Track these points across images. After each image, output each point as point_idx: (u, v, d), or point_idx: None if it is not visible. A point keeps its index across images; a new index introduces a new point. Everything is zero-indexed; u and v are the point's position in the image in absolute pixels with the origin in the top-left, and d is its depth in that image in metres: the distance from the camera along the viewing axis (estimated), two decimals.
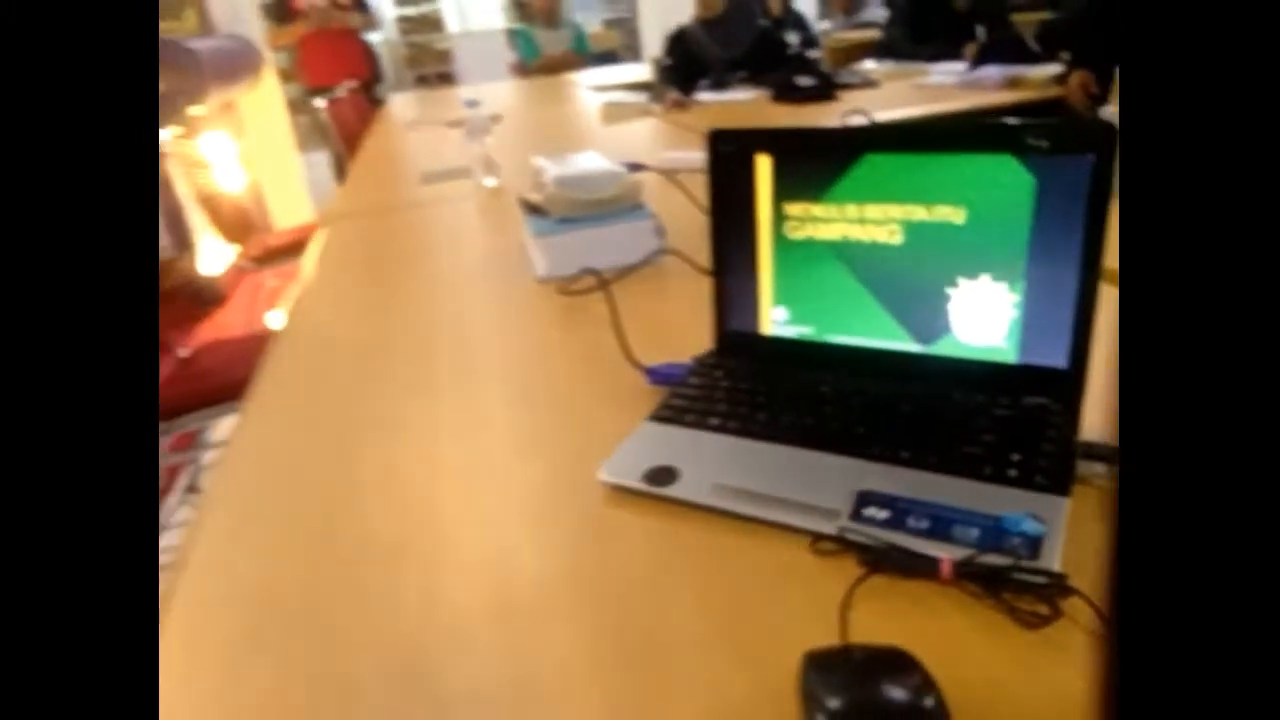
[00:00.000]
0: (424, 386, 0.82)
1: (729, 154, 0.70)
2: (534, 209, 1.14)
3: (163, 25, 3.38)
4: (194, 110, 3.14)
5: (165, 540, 1.87)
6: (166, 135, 2.97)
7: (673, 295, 0.98)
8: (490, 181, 1.67)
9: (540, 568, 0.53)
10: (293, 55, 4.04)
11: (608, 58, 6.36)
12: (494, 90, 4.09)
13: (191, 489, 2.08)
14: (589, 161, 1.14)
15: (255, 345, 2.04)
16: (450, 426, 0.73)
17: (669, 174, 1.42)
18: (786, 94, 2.36)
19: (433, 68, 8.31)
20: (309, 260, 1.36)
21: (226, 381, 1.69)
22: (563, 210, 1.07)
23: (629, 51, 7.45)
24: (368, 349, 0.93)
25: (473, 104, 1.68)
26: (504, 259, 1.19)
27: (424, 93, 5.80)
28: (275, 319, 3.18)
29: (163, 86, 3.30)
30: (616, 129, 2.32)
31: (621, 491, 0.59)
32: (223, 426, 2.32)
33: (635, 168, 1.21)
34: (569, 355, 0.84)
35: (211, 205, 2.57)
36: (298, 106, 4.28)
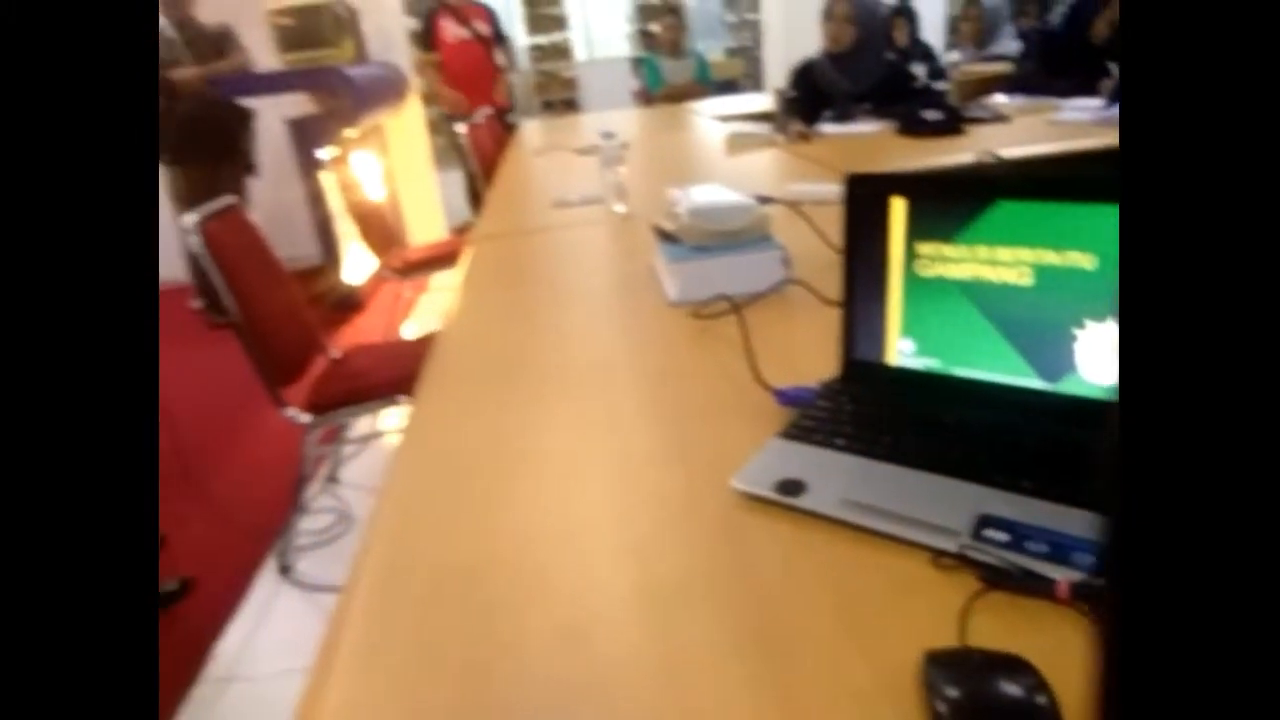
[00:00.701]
0: (567, 393, 0.91)
1: (865, 196, 0.75)
2: (667, 236, 1.22)
3: (323, 53, 3.72)
4: (349, 132, 3.43)
5: (310, 523, 2.05)
6: (325, 154, 3.26)
7: (797, 322, 1.03)
8: (620, 208, 1.77)
9: (680, 560, 0.60)
10: (437, 79, 4.33)
11: (729, 86, 6.46)
12: (618, 118, 4.25)
13: (332, 479, 2.27)
14: (721, 194, 1.21)
15: (398, 350, 2.22)
16: (593, 430, 0.81)
17: (794, 205, 1.48)
18: (913, 127, 2.37)
19: (559, 94, 8.66)
20: (458, 276, 1.49)
21: (373, 382, 1.85)
22: (695, 239, 1.14)
23: (750, 80, 7.53)
24: (516, 358, 1.03)
25: (608, 136, 1.79)
26: (635, 282, 1.27)
27: (552, 119, 6.06)
28: (412, 327, 3.42)
29: (322, 109, 3.62)
30: (740, 159, 2.39)
31: (753, 499, 0.65)
32: (361, 424, 2.52)
33: (764, 201, 1.27)
34: (701, 373, 0.91)
35: (360, 219, 2.81)
36: (435, 128, 4.59)
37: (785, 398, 0.80)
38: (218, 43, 3.46)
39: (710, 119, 3.37)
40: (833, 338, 0.83)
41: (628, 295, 1.22)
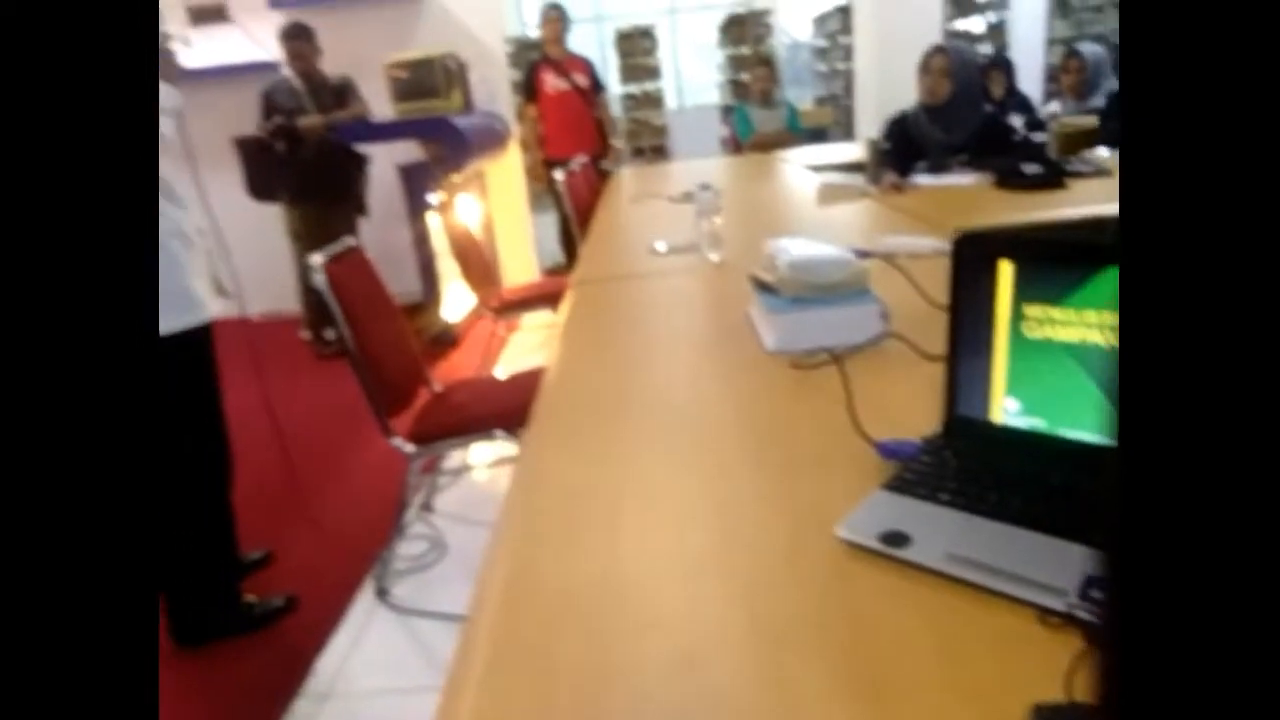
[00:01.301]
0: (670, 434, 0.95)
1: (973, 256, 0.78)
2: (765, 287, 1.26)
3: (433, 103, 3.94)
4: (454, 177, 3.63)
5: (405, 549, 2.15)
6: (431, 198, 3.45)
7: (895, 376, 1.05)
8: (715, 257, 1.82)
9: (788, 602, 0.63)
10: (537, 128, 4.53)
11: (818, 135, 6.50)
12: (709, 166, 4.35)
13: (426, 507, 2.37)
14: (820, 247, 1.24)
15: (496, 387, 2.32)
16: (698, 471, 0.85)
17: (890, 259, 1.50)
18: (1011, 181, 2.35)
19: (649, 141, 8.89)
20: (561, 317, 1.56)
21: (473, 416, 1.94)
22: (794, 291, 1.18)
23: (839, 128, 7.55)
24: (619, 398, 1.08)
25: (704, 187, 1.86)
26: (732, 329, 1.32)
27: (643, 166, 6.21)
28: (506, 364, 3.55)
29: (431, 156, 3.85)
30: (832, 209, 2.42)
31: (857, 548, 0.67)
32: (455, 456, 2.62)
33: (862, 254, 1.30)
34: (801, 422, 0.94)
35: (462, 259, 2.95)
36: (532, 172, 4.78)
37: (886, 450, 0.82)
38: (339, 93, 3.73)
39: (801, 168, 3.41)
40: (932, 392, 0.85)
41: (725, 342, 1.26)
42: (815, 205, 2.54)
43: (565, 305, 1.66)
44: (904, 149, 2.73)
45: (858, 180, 2.68)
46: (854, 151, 3.75)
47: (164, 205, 1.66)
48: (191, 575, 1.79)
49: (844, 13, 8.13)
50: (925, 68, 2.73)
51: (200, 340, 1.74)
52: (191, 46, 1.71)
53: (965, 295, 0.79)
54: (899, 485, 0.73)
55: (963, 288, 0.79)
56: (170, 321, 1.64)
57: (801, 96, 8.88)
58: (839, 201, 2.49)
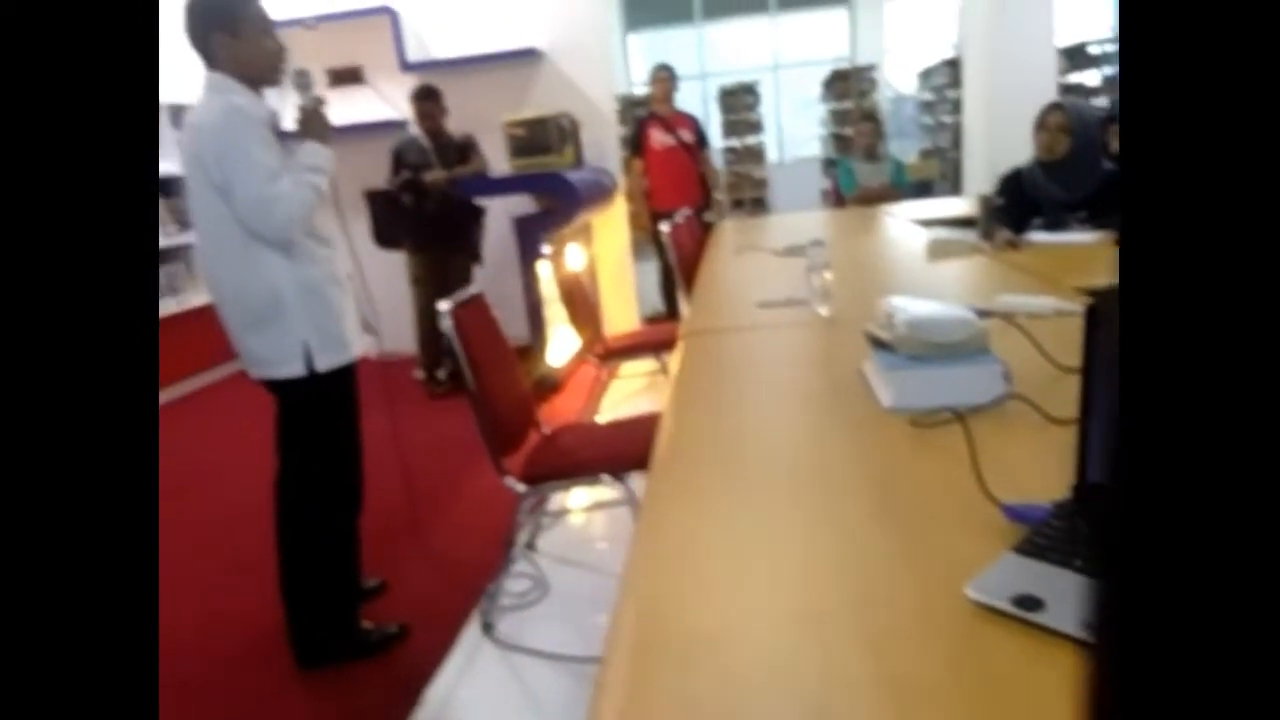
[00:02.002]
0: (790, 487, 0.97)
1: (1111, 317, 0.78)
2: (881, 344, 1.27)
3: (547, 159, 4.14)
4: (564, 228, 3.78)
5: (509, 586, 2.21)
6: (543, 247, 3.61)
7: (1019, 437, 1.04)
8: (825, 311, 1.84)
9: (919, 660, 0.64)
10: (642, 182, 4.69)
11: (923, 188, 6.43)
12: (811, 219, 4.36)
13: (530, 546, 2.43)
14: (939, 306, 1.25)
15: (602, 432, 2.39)
16: (819, 525, 0.87)
17: (1009, 318, 1.48)
18: None
19: (749, 193, 8.99)
20: (674, 368, 1.61)
21: (580, 460, 2.00)
22: (912, 349, 1.19)
23: (946, 182, 7.44)
24: (737, 449, 1.11)
25: (817, 243, 1.89)
26: (845, 385, 1.33)
27: (745, 219, 6.28)
28: (607, 410, 3.64)
29: (543, 208, 4.03)
30: (943, 265, 2.40)
31: (988, 610, 0.68)
32: (556, 498, 2.69)
33: (982, 314, 1.29)
34: (923, 481, 0.94)
35: (570, 306, 3.06)
36: (636, 223, 4.92)
37: (1013, 513, 0.81)
38: (462, 150, 3.97)
39: (907, 223, 3.39)
40: (1057, 456, 0.85)
41: (840, 397, 1.27)
42: (925, 261, 2.52)
43: (676, 356, 1.71)
44: (1019, 205, 2.68)
45: (970, 236, 2.64)
46: (963, 206, 3.70)
47: (320, 251, 1.83)
48: (317, 601, 1.90)
49: (951, 66, 8.07)
50: (1042, 124, 2.69)
51: (347, 377, 1.88)
52: (328, 106, 1.89)
53: (1098, 357, 0.79)
54: (1030, 549, 0.73)
55: (1095, 349, 0.79)
56: (324, 360, 1.79)
57: (906, 150, 8.81)
58: (950, 257, 2.47)
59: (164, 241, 4.41)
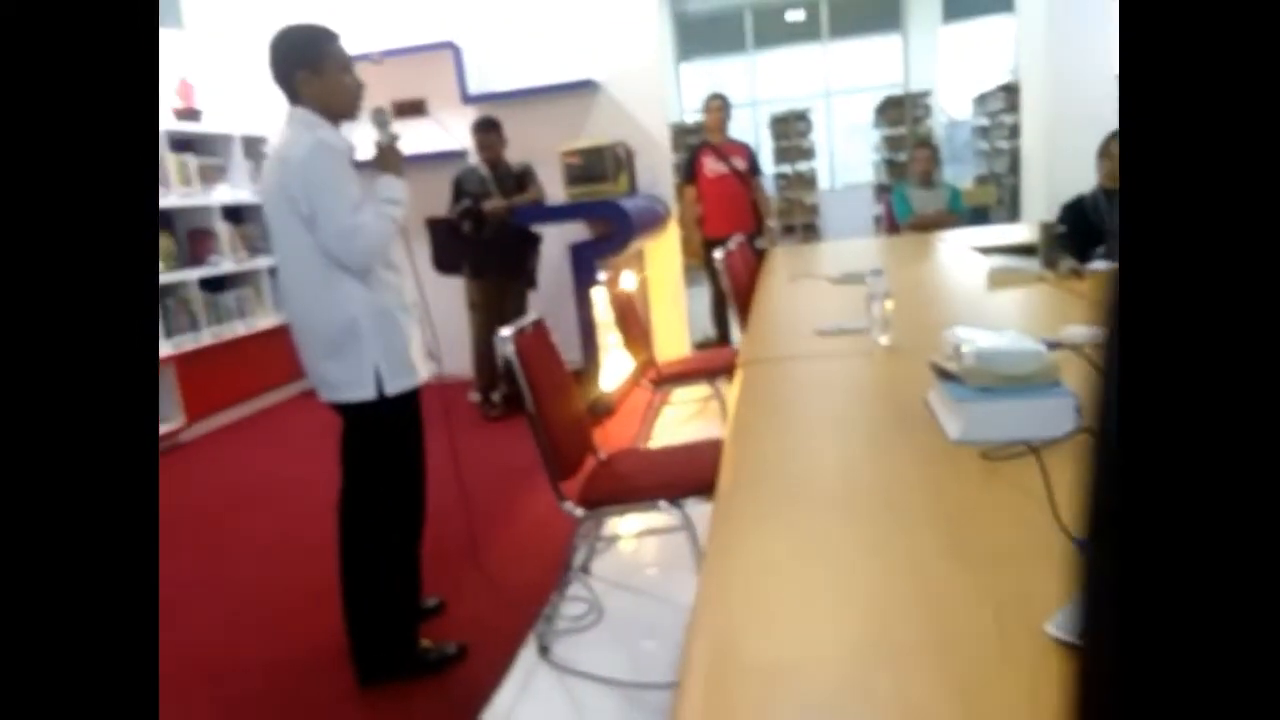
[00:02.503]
0: (859, 518, 0.97)
1: None
2: (947, 375, 1.27)
3: (602, 187, 4.20)
4: (619, 255, 3.83)
5: (565, 609, 2.23)
6: (597, 274, 3.66)
7: None
8: (885, 340, 1.83)
9: (1003, 697, 0.63)
10: (695, 209, 4.73)
11: (979, 215, 6.34)
12: (865, 247, 4.34)
13: (584, 569, 2.45)
14: (1007, 337, 1.24)
15: (657, 458, 2.40)
16: (890, 557, 0.87)
17: (1078, 349, 1.46)
18: None
19: (800, 219, 8.97)
20: (734, 395, 1.62)
21: (637, 485, 2.02)
22: (981, 381, 1.18)
23: (1002, 208, 7.33)
24: (803, 478, 1.12)
25: (877, 272, 1.88)
26: (910, 416, 1.32)
27: (797, 245, 6.27)
28: (658, 436, 3.65)
29: (597, 235, 4.09)
30: (1005, 293, 2.37)
31: (1074, 648, 0.67)
32: (611, 523, 2.71)
33: (1052, 345, 1.28)
34: (996, 515, 0.94)
35: (625, 332, 3.10)
36: (688, 248, 4.96)
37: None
38: (520, 179, 4.07)
39: (964, 250, 3.35)
40: None
41: (905, 428, 1.27)
42: (986, 289, 2.49)
43: (735, 383, 1.72)
44: (1082, 233, 2.63)
45: (1032, 265, 2.61)
46: (1023, 234, 3.64)
47: (391, 278, 1.90)
48: (378, 619, 1.94)
49: (1008, 92, 7.97)
50: (1106, 151, 2.66)
51: (413, 401, 1.93)
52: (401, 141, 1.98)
53: None
54: None
55: None
56: (392, 384, 1.85)
57: (960, 175, 8.71)
58: (1011, 286, 2.43)
59: (234, 266, 4.60)
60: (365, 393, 1.84)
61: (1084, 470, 0.33)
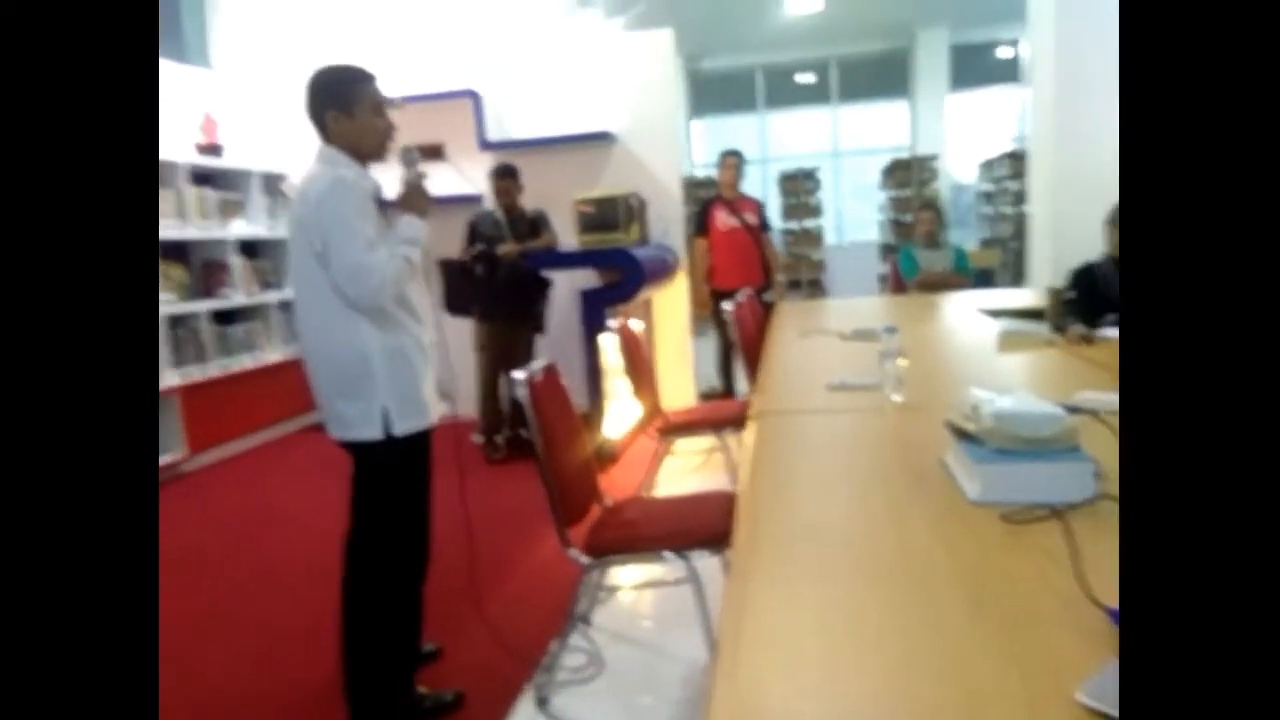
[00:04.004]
0: (877, 575, 0.96)
1: None
2: (965, 434, 1.27)
3: (613, 236, 4.26)
4: (629, 303, 3.86)
5: (564, 660, 2.18)
6: (606, 320, 3.68)
7: (1112, 537, 1.01)
8: (898, 398, 1.83)
9: None
10: (705, 261, 4.78)
11: (984, 277, 6.40)
12: (873, 305, 4.38)
13: (584, 620, 2.41)
14: (1027, 399, 1.24)
15: (663, 507, 2.38)
16: (911, 617, 0.86)
17: (1095, 415, 1.46)
18: None
19: (807, 275, 9.06)
20: (748, 448, 1.62)
21: (643, 534, 1.99)
22: (1000, 443, 1.18)
23: (1007, 271, 7.41)
24: (821, 534, 1.11)
25: (890, 330, 1.90)
26: (925, 473, 1.32)
27: (804, 301, 6.32)
28: (661, 485, 3.62)
29: (607, 282, 4.13)
30: (1014, 356, 2.38)
31: (1102, 717, 0.66)
32: (614, 573, 2.67)
33: (1071, 410, 1.28)
34: (1019, 578, 0.93)
35: (633, 379, 3.10)
36: (696, 298, 5.00)
37: (1119, 617, 0.79)
38: (534, 224, 4.13)
39: (971, 311, 3.38)
40: None
41: (921, 487, 1.26)
42: (995, 350, 2.51)
43: (748, 435, 1.72)
44: (1091, 300, 2.65)
45: (1041, 329, 2.62)
46: (1030, 298, 3.68)
47: (408, 319, 1.89)
48: (375, 662, 1.90)
49: (1014, 159, 8.13)
50: (1113, 220, 2.69)
51: (422, 443, 1.92)
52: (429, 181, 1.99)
53: None
54: None
55: None
56: (400, 425, 1.84)
57: (965, 238, 8.82)
58: (1021, 349, 2.45)
59: (246, 300, 4.63)
60: (373, 432, 1.83)
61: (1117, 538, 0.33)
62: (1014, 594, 0.89)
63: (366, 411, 1.83)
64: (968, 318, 3.25)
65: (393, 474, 1.90)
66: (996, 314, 3.11)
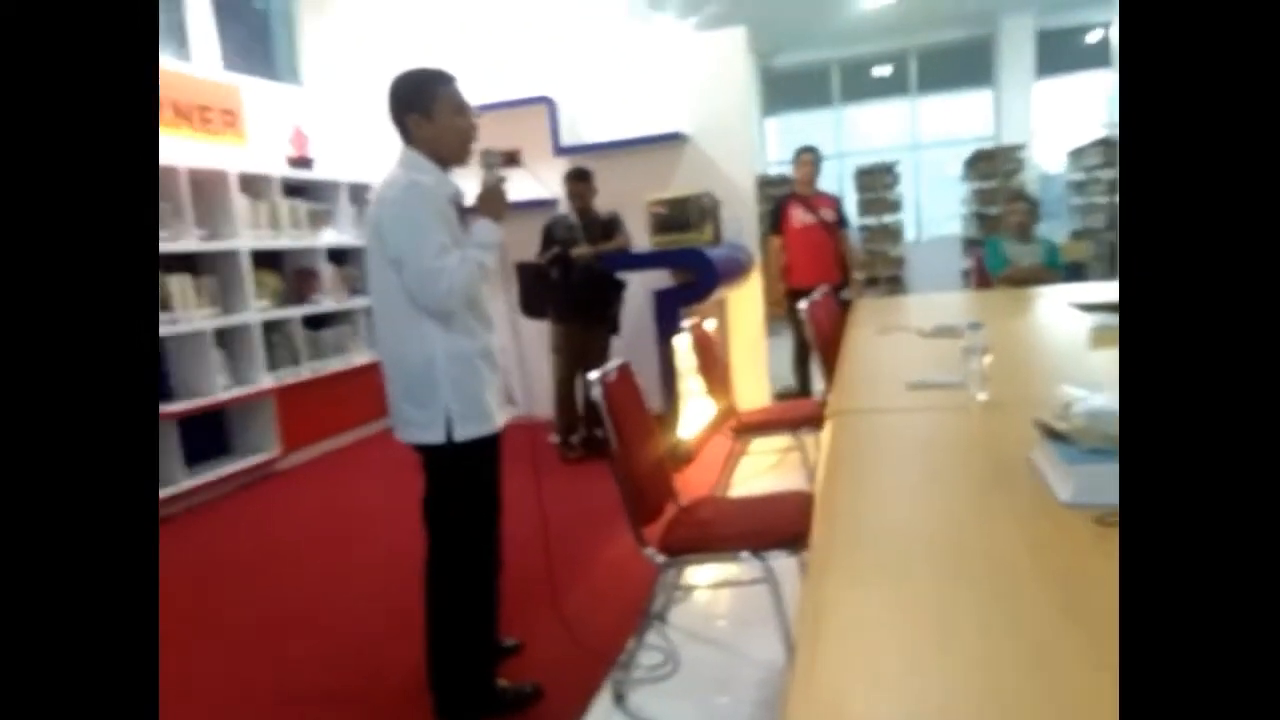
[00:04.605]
0: (961, 576, 0.93)
1: None
2: (1055, 434, 1.22)
3: (687, 236, 4.26)
4: (703, 302, 3.86)
5: (641, 658, 2.20)
6: (681, 321, 3.69)
7: None
8: (983, 396, 1.77)
9: None
10: (780, 259, 4.73)
11: (1075, 271, 6.12)
12: (955, 300, 4.24)
13: (660, 618, 2.42)
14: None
15: (738, 507, 2.37)
16: (999, 618, 0.83)
17: None
18: None
19: (885, 272, 8.85)
20: (825, 447, 1.60)
21: (718, 534, 1.99)
22: (1094, 442, 1.13)
23: (1100, 264, 7.06)
24: (900, 533, 1.09)
25: (975, 326, 1.84)
26: (1011, 473, 1.27)
27: (882, 298, 6.19)
28: (738, 486, 3.61)
29: (681, 282, 4.13)
30: (1109, 352, 2.26)
31: None
32: (689, 572, 2.67)
33: None
34: (1111, 584, 0.88)
35: (708, 379, 3.09)
36: (770, 297, 4.95)
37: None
38: (608, 227, 4.17)
39: (1063, 306, 3.23)
40: None
41: (1008, 487, 1.22)
42: (1087, 347, 2.40)
43: (825, 435, 1.69)
44: None
45: None
46: None
47: (477, 325, 1.90)
48: (457, 658, 1.95)
49: (1105, 146, 7.75)
50: None
51: (486, 448, 1.93)
52: (508, 184, 1.98)
53: None
54: None
55: None
56: (462, 430, 1.85)
57: (1054, 230, 8.43)
58: (1115, 345, 2.32)
59: (334, 305, 4.84)
60: (435, 436, 1.84)
61: None
62: (1108, 596, 0.85)
63: (430, 415, 1.84)
64: (1057, 312, 3.12)
65: (457, 477, 1.91)
66: (1089, 308, 2.97)
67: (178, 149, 4.01)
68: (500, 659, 2.12)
